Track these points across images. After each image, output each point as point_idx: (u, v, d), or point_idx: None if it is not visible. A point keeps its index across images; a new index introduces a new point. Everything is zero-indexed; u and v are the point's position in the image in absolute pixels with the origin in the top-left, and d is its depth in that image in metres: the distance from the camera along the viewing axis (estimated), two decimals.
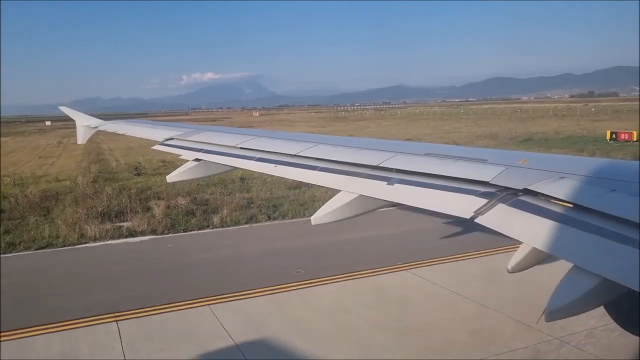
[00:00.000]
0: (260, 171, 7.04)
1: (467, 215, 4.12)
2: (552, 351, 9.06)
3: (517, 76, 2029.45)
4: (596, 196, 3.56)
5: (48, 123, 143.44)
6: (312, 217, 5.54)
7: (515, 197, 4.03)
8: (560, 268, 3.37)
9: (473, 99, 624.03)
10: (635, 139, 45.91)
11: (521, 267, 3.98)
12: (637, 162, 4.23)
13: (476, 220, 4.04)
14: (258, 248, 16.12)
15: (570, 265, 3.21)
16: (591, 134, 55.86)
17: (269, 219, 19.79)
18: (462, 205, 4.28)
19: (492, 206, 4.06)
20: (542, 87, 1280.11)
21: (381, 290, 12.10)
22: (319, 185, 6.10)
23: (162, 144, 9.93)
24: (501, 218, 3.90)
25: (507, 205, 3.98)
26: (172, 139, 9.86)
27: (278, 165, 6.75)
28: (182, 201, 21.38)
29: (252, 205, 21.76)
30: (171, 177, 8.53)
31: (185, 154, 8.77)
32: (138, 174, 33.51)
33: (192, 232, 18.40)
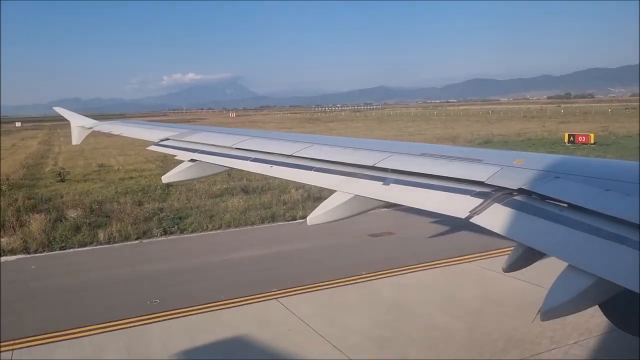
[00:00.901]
0: (256, 171, 6.95)
1: (463, 215, 4.07)
2: None
3: (498, 77, 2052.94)
4: (591, 196, 3.55)
5: (18, 124, 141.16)
6: (307, 218, 5.32)
7: (510, 197, 4.02)
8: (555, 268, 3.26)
9: (453, 100, 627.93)
10: (592, 141, 45.14)
11: (516, 267, 3.98)
12: (631, 162, 4.27)
13: (471, 220, 3.98)
14: (129, 270, 14.22)
15: (565, 264, 3.19)
16: (552, 136, 55.11)
17: (164, 234, 17.92)
18: (458, 205, 4.25)
19: (488, 206, 4.03)
20: (521, 89, 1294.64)
21: (229, 326, 10.30)
22: (315, 186, 6.02)
23: (157, 144, 9.69)
24: (496, 218, 3.87)
25: (502, 205, 3.96)
26: (167, 139, 9.59)
27: (274, 166, 6.67)
28: (72, 213, 19.35)
29: (156, 216, 19.87)
30: (166, 178, 8.22)
31: (180, 155, 8.55)
32: (62, 180, 31.32)
33: (72, 249, 16.45)
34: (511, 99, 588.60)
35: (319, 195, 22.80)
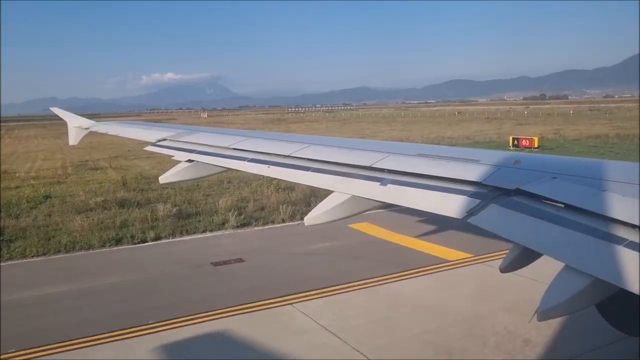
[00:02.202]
0: (253, 172, 6.89)
1: (460, 215, 4.09)
2: None
3: (477, 79, 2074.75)
4: (587, 196, 3.58)
5: None
6: (305, 218, 5.28)
7: (507, 197, 4.03)
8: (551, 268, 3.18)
9: (433, 101, 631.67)
10: (536, 145, 43.47)
11: (513, 267, 3.86)
12: (628, 162, 4.32)
13: (469, 221, 3.98)
14: None
15: (562, 265, 3.18)
16: (501, 139, 53.48)
17: None
18: (455, 205, 4.23)
19: (485, 206, 4.02)
20: (499, 90, 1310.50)
21: None
22: (312, 186, 5.94)
23: (154, 144, 9.60)
24: (493, 218, 3.89)
25: (499, 205, 3.97)
26: (164, 139, 9.49)
27: (271, 166, 6.62)
28: None
29: None
30: (164, 179, 8.09)
31: (177, 155, 8.42)
32: None
33: None
34: (489, 100, 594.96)
35: (189, 212, 20.17)
